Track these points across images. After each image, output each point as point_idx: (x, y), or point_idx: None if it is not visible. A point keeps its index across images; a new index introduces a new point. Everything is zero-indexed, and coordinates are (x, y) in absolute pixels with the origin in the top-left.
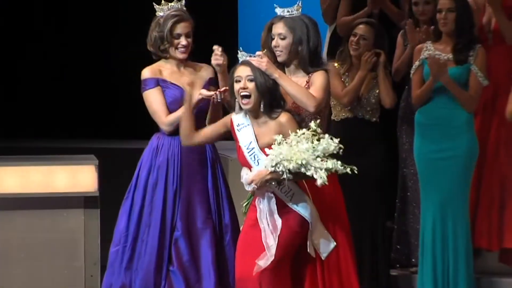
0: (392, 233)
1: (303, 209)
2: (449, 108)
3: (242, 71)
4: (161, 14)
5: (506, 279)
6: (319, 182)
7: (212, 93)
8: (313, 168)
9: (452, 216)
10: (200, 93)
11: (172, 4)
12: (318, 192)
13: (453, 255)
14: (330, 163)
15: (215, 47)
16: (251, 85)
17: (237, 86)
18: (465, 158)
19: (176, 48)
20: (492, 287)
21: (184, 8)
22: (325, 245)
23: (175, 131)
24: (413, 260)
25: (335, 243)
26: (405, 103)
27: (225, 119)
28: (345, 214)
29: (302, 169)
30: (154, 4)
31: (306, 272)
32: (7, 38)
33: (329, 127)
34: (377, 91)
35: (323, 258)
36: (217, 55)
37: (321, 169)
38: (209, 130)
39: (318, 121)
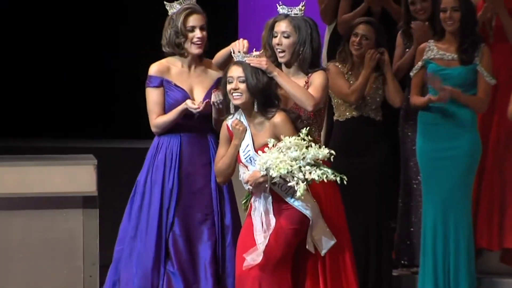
0: (394, 233)
1: (303, 207)
2: (452, 107)
3: (234, 72)
4: (174, 11)
5: (508, 280)
6: (297, 195)
7: (196, 106)
8: (295, 179)
9: (453, 215)
10: (186, 103)
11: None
12: (316, 193)
13: (454, 255)
14: (318, 173)
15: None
16: (242, 86)
17: (229, 87)
18: (467, 157)
19: (192, 42)
20: (494, 287)
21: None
22: (326, 242)
23: (176, 130)
24: (415, 260)
25: (335, 240)
26: (407, 102)
27: (223, 133)
28: (343, 215)
29: (287, 178)
30: (165, 2)
31: (307, 270)
32: (6, 37)
33: (331, 128)
34: (380, 91)
35: (322, 254)
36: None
37: (303, 181)
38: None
39: (308, 128)
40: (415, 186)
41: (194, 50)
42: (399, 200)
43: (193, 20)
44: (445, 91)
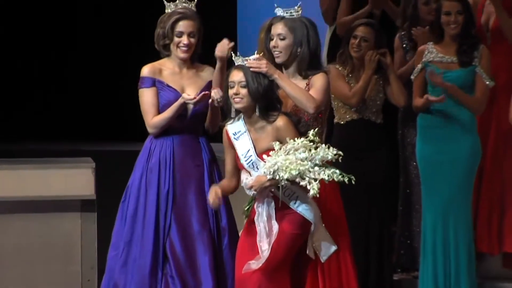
0: (395, 237)
1: (307, 212)
2: (452, 109)
3: (235, 76)
4: (169, 11)
5: (510, 284)
6: (310, 193)
7: (192, 97)
8: (307, 178)
9: (453, 219)
10: (182, 96)
11: (183, 3)
12: (319, 198)
13: (455, 259)
14: (327, 173)
15: (226, 40)
16: (243, 91)
17: (230, 92)
18: (467, 160)
19: (178, 46)
20: None
21: (194, 9)
22: (326, 248)
23: (168, 132)
24: (416, 264)
25: (336, 247)
26: (406, 106)
27: (225, 140)
28: (344, 219)
29: (297, 179)
30: (164, 1)
31: (306, 275)
32: (5, 40)
33: (331, 131)
34: (381, 94)
35: (322, 261)
36: (225, 46)
37: (315, 180)
38: (230, 166)
39: (316, 129)
40: (415, 189)
41: (180, 54)
42: (399, 204)
43: (182, 26)
44: (444, 85)
